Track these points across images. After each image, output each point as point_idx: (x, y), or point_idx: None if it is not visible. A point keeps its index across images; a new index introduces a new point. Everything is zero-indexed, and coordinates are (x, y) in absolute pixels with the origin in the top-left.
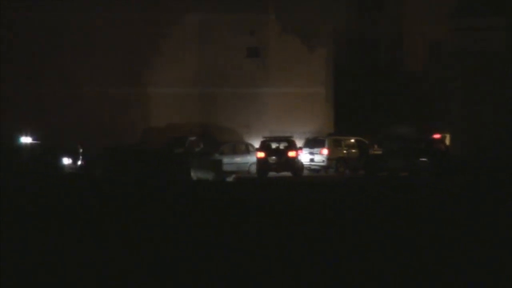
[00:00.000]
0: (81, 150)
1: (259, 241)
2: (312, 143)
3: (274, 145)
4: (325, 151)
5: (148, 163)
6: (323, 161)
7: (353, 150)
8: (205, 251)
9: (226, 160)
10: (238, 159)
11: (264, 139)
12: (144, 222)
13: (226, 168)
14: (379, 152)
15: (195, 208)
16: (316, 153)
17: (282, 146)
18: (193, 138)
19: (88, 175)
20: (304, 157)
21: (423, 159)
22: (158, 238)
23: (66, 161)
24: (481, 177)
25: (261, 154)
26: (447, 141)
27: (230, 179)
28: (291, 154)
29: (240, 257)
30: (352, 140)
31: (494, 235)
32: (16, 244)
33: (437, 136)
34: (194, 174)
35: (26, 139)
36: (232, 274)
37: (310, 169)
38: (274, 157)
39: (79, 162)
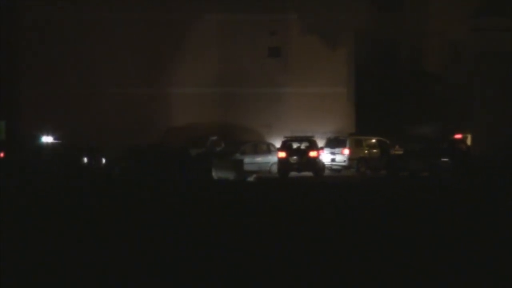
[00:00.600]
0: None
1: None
2: (333, 143)
3: (295, 145)
4: (346, 151)
5: (167, 162)
6: (344, 161)
7: (374, 150)
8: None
9: (247, 160)
10: (259, 159)
11: (285, 139)
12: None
13: (247, 168)
14: (400, 152)
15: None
16: (338, 153)
17: (303, 146)
18: (214, 138)
19: (107, 174)
20: (325, 157)
21: (445, 159)
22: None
23: (87, 160)
24: (501, 177)
25: (282, 154)
26: (468, 141)
27: (251, 179)
28: (312, 154)
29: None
30: (374, 140)
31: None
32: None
33: (458, 136)
34: (215, 174)
35: (47, 139)
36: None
37: (331, 169)
38: (295, 157)
39: (102, 162)
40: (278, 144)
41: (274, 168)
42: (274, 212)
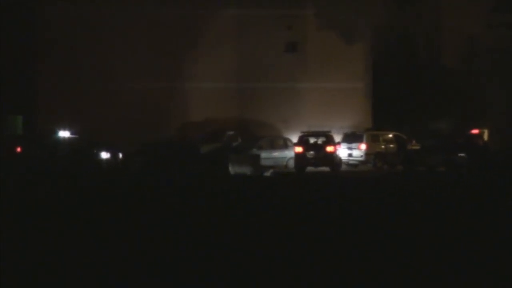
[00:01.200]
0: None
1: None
2: (350, 138)
3: (312, 140)
4: (363, 146)
5: (179, 158)
6: (361, 156)
7: (391, 145)
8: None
9: (264, 154)
10: (276, 154)
11: (302, 134)
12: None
13: (264, 162)
14: (417, 147)
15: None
16: (354, 148)
17: (320, 141)
18: (231, 133)
19: (123, 170)
20: (342, 152)
21: (461, 155)
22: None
23: (104, 155)
24: None
25: (299, 149)
26: (485, 137)
27: (267, 173)
28: (329, 149)
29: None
30: (390, 135)
31: None
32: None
33: (475, 131)
34: (232, 169)
35: (64, 134)
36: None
37: (348, 164)
38: (312, 152)
39: (119, 157)
40: (295, 139)
41: (291, 163)
42: (284, 210)
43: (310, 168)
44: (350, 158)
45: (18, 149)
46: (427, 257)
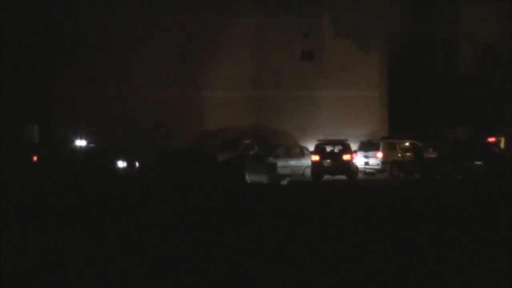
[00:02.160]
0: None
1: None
2: (367, 146)
3: (328, 148)
4: (379, 154)
5: (195, 167)
6: (378, 164)
7: (408, 154)
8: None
9: (280, 163)
10: (293, 162)
11: (319, 142)
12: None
13: (280, 171)
14: (434, 156)
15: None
16: (371, 156)
17: (336, 149)
18: (247, 141)
19: (140, 179)
20: (359, 160)
21: (478, 163)
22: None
23: (121, 164)
24: None
25: (315, 157)
26: (502, 145)
27: (284, 182)
28: (346, 157)
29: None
30: (407, 143)
31: None
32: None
33: (491, 139)
34: (249, 177)
35: (80, 143)
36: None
37: (364, 172)
38: (328, 160)
39: (135, 165)
40: (311, 148)
41: (308, 172)
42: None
43: (327, 177)
44: (367, 167)
45: (34, 158)
46: (441, 265)
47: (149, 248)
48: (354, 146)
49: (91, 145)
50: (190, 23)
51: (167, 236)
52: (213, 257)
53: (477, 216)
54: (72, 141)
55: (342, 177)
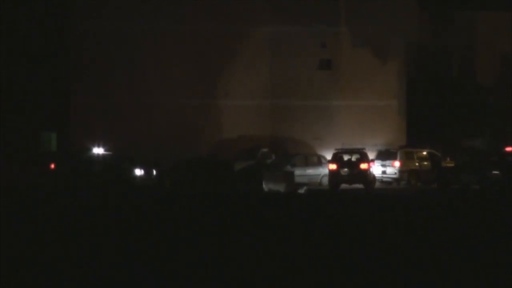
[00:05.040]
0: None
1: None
2: (384, 155)
3: (346, 157)
4: (397, 164)
5: (218, 174)
6: (395, 173)
7: (425, 163)
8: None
9: (298, 172)
10: (310, 171)
11: (336, 151)
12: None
13: (298, 180)
14: (452, 165)
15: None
16: (388, 165)
17: (354, 158)
18: (265, 150)
19: (157, 187)
20: (376, 169)
21: (495, 172)
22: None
23: (138, 172)
24: None
25: (333, 166)
26: None
27: (301, 191)
28: (363, 166)
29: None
30: (424, 153)
31: None
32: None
33: (509, 148)
34: (266, 186)
35: (98, 150)
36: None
37: (382, 181)
38: (346, 169)
39: (153, 173)
40: (328, 156)
41: (325, 180)
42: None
43: (344, 185)
44: (384, 176)
45: (52, 166)
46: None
47: (164, 256)
48: (371, 155)
49: (109, 153)
50: (208, 33)
51: (182, 243)
52: (227, 264)
53: (494, 226)
54: (90, 149)
55: (360, 186)
